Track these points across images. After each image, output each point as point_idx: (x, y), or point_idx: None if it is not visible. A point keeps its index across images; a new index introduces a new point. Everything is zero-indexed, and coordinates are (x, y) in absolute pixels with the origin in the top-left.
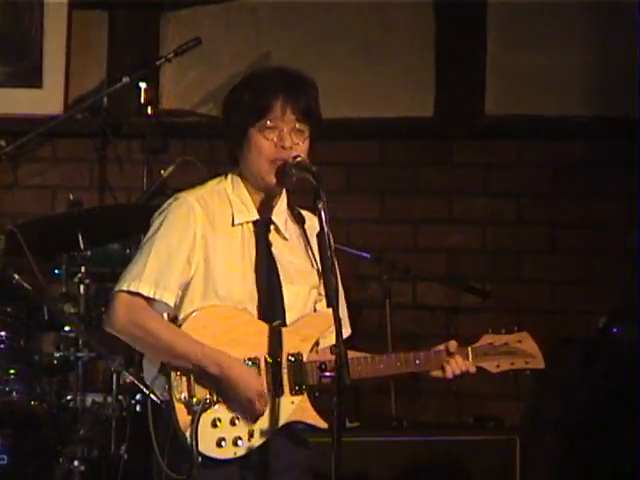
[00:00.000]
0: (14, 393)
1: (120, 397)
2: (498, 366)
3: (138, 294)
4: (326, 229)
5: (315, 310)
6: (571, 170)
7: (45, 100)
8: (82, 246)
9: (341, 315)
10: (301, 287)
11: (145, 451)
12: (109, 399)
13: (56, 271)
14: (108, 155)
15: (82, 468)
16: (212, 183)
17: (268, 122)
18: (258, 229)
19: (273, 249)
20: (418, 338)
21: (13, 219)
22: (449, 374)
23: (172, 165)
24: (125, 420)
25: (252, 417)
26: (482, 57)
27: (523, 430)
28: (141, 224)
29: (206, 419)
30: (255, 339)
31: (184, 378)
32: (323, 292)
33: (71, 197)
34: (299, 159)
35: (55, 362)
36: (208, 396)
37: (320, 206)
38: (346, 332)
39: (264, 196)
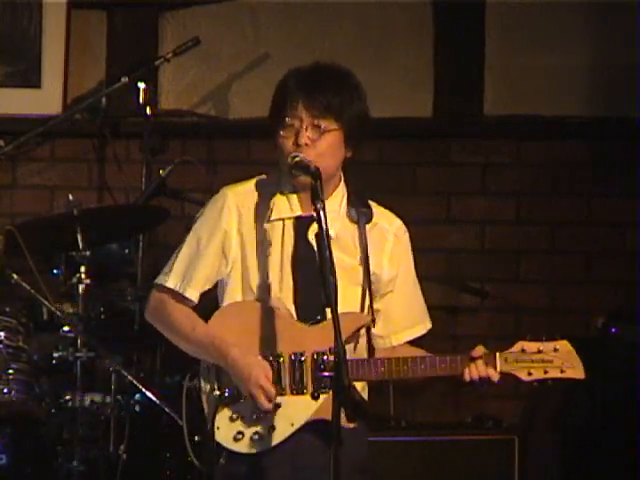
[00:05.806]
0: (13, 393)
1: (119, 397)
2: (530, 374)
3: (167, 288)
4: (324, 229)
5: (371, 310)
6: (570, 170)
7: (44, 100)
8: (81, 246)
9: (416, 309)
10: (343, 284)
11: (144, 450)
12: (108, 399)
13: (55, 271)
14: (107, 155)
15: (81, 468)
16: (264, 176)
17: (285, 120)
18: (298, 226)
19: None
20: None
21: (12, 219)
22: (466, 377)
23: (171, 165)
24: (124, 420)
25: (259, 411)
26: (481, 57)
27: (522, 430)
28: (140, 224)
29: (226, 413)
30: (282, 336)
31: (211, 371)
32: (382, 291)
33: (70, 197)
34: (297, 159)
35: (54, 362)
36: (229, 390)
37: (319, 206)
38: (425, 328)
39: (308, 193)
